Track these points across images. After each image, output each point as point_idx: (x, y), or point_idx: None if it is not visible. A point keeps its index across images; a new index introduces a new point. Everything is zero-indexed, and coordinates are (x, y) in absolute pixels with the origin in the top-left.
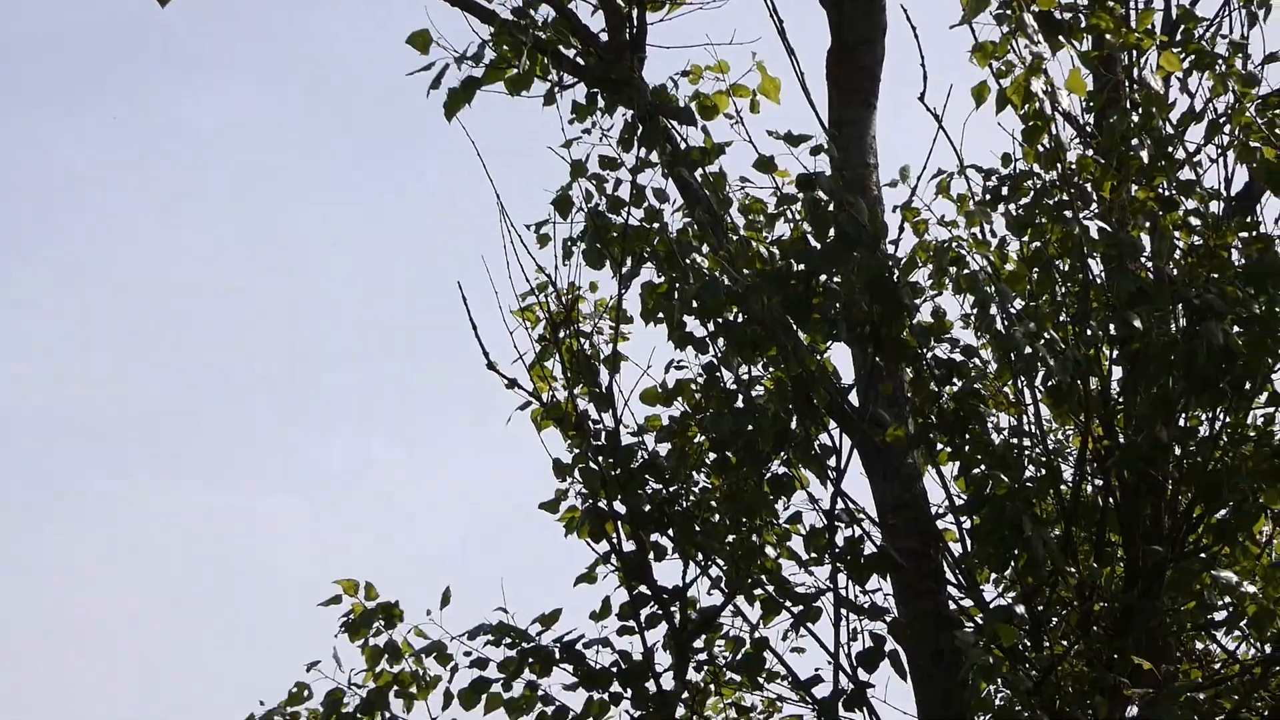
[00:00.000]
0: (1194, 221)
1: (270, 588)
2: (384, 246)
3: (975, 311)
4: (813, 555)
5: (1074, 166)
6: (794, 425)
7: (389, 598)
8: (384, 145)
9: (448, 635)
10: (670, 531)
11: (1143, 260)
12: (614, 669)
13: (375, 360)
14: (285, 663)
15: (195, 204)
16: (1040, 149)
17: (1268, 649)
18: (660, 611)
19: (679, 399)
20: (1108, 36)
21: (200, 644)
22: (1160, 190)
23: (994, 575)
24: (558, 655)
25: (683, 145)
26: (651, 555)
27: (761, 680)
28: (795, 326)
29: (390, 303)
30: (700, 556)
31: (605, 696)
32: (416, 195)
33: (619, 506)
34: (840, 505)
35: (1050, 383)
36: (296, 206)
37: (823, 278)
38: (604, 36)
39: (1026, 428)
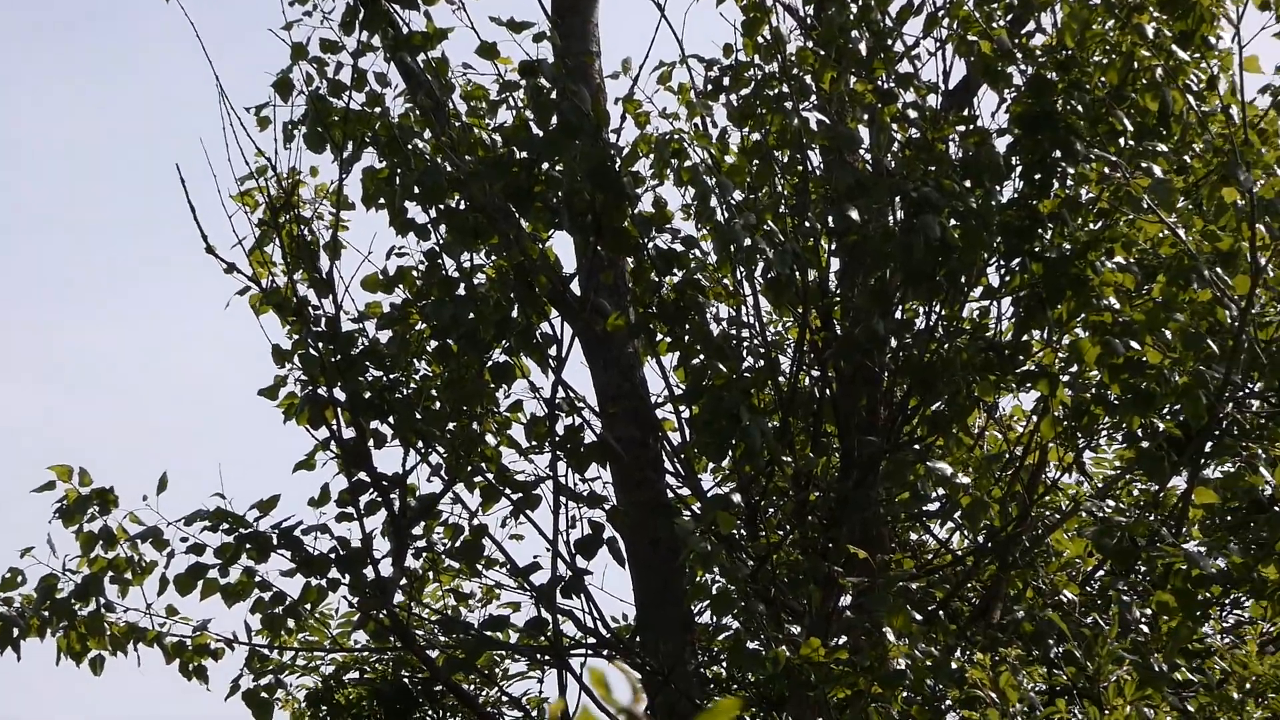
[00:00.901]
0: (912, 115)
1: None
2: (102, 129)
3: (696, 203)
4: (533, 443)
5: (794, 58)
6: (515, 313)
7: (104, 483)
8: (101, 27)
9: (164, 521)
10: (390, 419)
11: (861, 153)
12: (332, 555)
13: (91, 243)
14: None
15: None
16: (760, 40)
17: (980, 540)
18: (379, 498)
19: (400, 286)
20: None
21: None
22: (879, 83)
23: (712, 464)
24: (275, 541)
25: (405, 29)
26: (371, 442)
27: (480, 567)
28: (517, 214)
29: (108, 185)
30: (420, 444)
31: (323, 582)
32: (134, 77)
33: (339, 393)
34: (560, 394)
35: (769, 274)
36: (10, 90)
37: (545, 166)
38: None
39: (745, 319)
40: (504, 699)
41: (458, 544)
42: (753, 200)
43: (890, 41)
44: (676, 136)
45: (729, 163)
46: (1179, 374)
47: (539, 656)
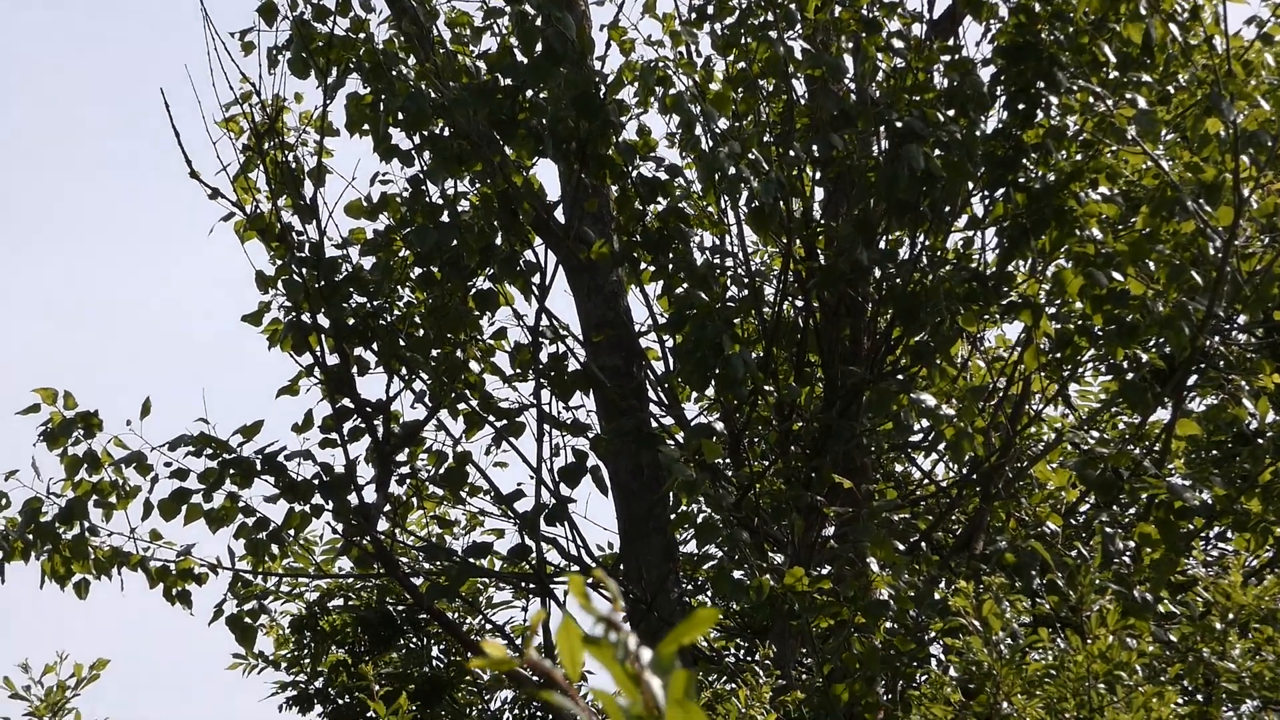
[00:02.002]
0: (897, 44)
1: None
2: (86, 54)
3: (680, 131)
4: (517, 371)
5: None
6: (499, 240)
7: (88, 407)
8: None
9: (148, 445)
10: (374, 345)
11: (846, 82)
12: (316, 481)
13: (75, 171)
14: None
15: None
16: None
17: (963, 470)
18: (363, 425)
19: (384, 212)
20: None
21: None
22: (864, 12)
23: (695, 393)
24: (259, 467)
25: None
26: (355, 369)
27: (464, 494)
28: (501, 141)
29: (92, 110)
30: (404, 370)
31: (307, 509)
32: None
33: (322, 319)
34: (544, 321)
35: (753, 203)
36: None
37: (529, 93)
38: None
39: (729, 248)
40: (488, 626)
41: (441, 471)
42: (737, 129)
43: None
44: (661, 64)
45: (714, 91)
46: (1162, 305)
47: (522, 584)
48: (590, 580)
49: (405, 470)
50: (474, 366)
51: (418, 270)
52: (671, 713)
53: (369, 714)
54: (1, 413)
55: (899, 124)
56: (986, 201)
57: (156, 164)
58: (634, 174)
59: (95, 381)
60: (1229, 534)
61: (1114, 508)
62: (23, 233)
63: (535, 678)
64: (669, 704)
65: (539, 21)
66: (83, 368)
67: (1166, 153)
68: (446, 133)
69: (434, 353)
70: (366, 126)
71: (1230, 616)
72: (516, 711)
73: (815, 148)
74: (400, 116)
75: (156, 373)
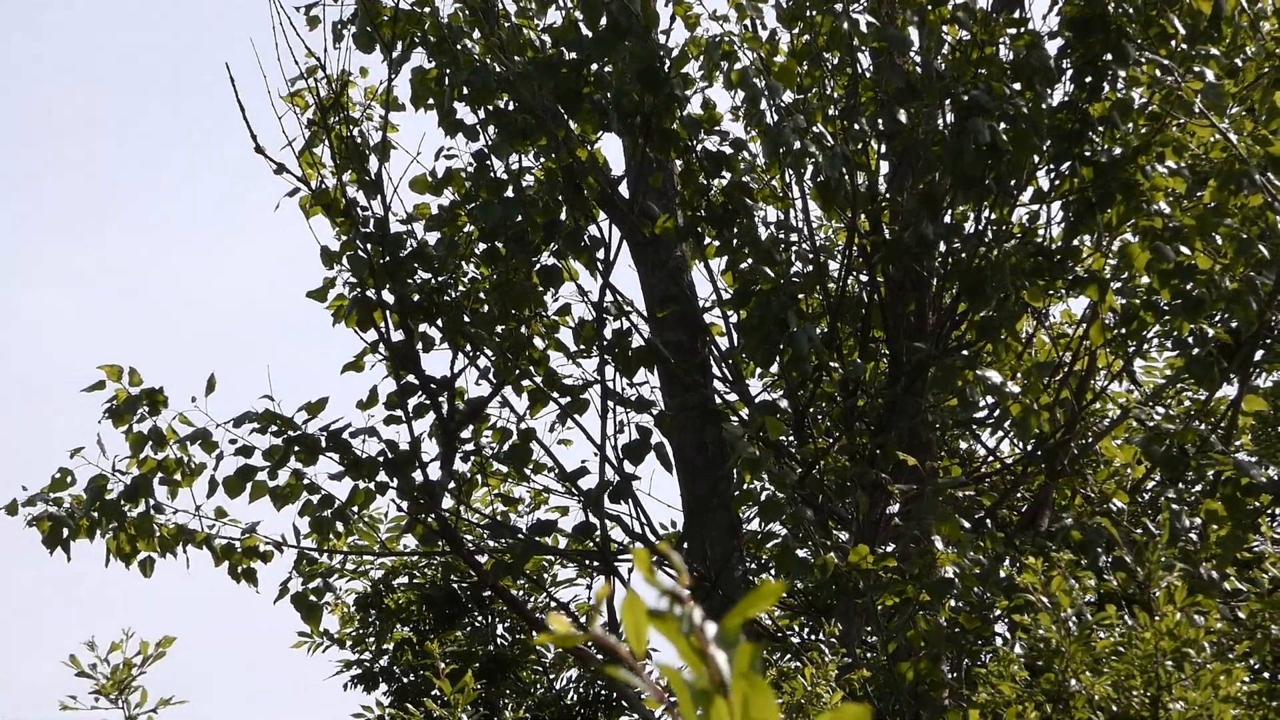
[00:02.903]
0: (962, 16)
1: (37, 379)
2: (150, 29)
3: (745, 105)
4: (581, 347)
5: None
6: (563, 216)
7: (154, 384)
8: None
9: (213, 422)
10: (439, 321)
11: (911, 55)
12: (380, 458)
13: (139, 146)
14: (50, 458)
15: None
16: None
17: (1028, 447)
18: (428, 401)
19: (449, 187)
20: None
21: None
22: None
23: (759, 369)
24: (324, 443)
25: None
26: (420, 345)
27: (528, 471)
28: (566, 115)
29: (157, 86)
30: (469, 347)
31: (371, 485)
32: None
33: (387, 295)
34: (609, 297)
35: (818, 178)
36: None
37: (594, 67)
38: None
39: (794, 222)
40: (552, 604)
41: (506, 448)
42: (802, 103)
43: None
44: (726, 38)
45: (778, 65)
46: (1229, 279)
47: (587, 562)
48: (655, 555)
49: (470, 447)
50: (538, 343)
51: (482, 246)
52: (737, 686)
53: (434, 692)
54: (67, 390)
55: (964, 97)
56: (1052, 175)
57: (222, 139)
58: (698, 148)
59: (160, 358)
60: None
61: (1180, 484)
62: (88, 210)
63: (600, 655)
64: (734, 677)
65: None
66: (148, 344)
67: (1234, 126)
68: (511, 107)
69: (498, 329)
70: (431, 101)
71: None
72: (581, 690)
73: (880, 121)
74: (465, 91)
75: (221, 349)
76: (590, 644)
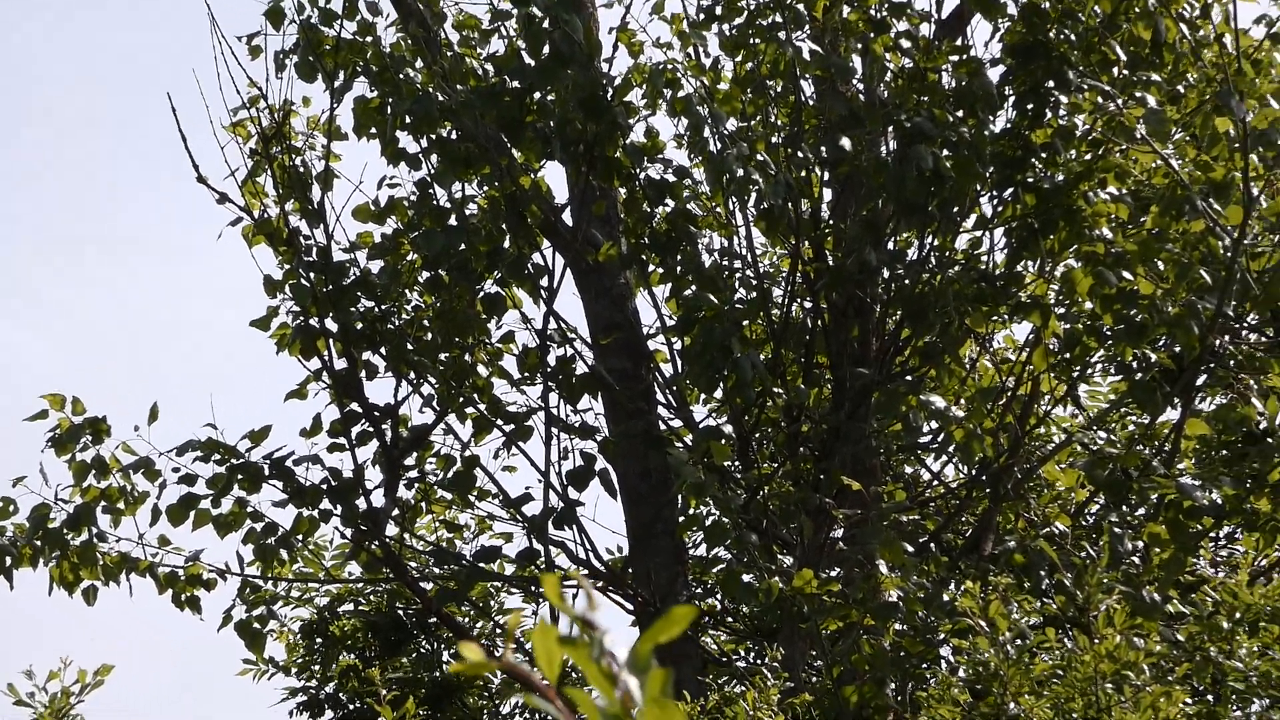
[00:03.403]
0: (905, 44)
1: None
2: (92, 58)
3: (689, 133)
4: (525, 374)
5: None
6: (507, 244)
7: (96, 413)
8: None
9: (156, 451)
10: (382, 349)
11: (854, 82)
12: (324, 486)
13: (80, 176)
14: None
15: None
16: None
17: (972, 471)
18: (371, 429)
19: (392, 216)
20: None
21: None
22: (872, 12)
23: (704, 396)
24: (267, 471)
25: None
26: (363, 373)
27: (472, 498)
28: (509, 144)
29: (98, 116)
30: (412, 374)
31: (315, 513)
32: (125, 5)
33: (330, 323)
34: (552, 324)
35: (762, 205)
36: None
37: (537, 95)
38: None
39: (737, 249)
40: (498, 630)
41: (450, 475)
42: (745, 130)
43: None
44: (670, 66)
45: (722, 92)
46: (1171, 305)
47: (531, 588)
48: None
49: (413, 474)
50: (482, 370)
51: (425, 274)
52: (648, 711)
53: (378, 719)
54: (9, 419)
55: (907, 124)
56: (995, 202)
57: (163, 169)
58: (642, 176)
59: (103, 388)
60: (1238, 534)
61: (1123, 508)
62: (27, 240)
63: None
64: (646, 702)
65: (546, 24)
66: (90, 374)
67: (1176, 152)
68: (454, 136)
69: (442, 356)
70: (374, 130)
71: (1238, 616)
72: (527, 716)
73: (824, 149)
74: (408, 120)
75: (164, 378)
76: (502, 671)
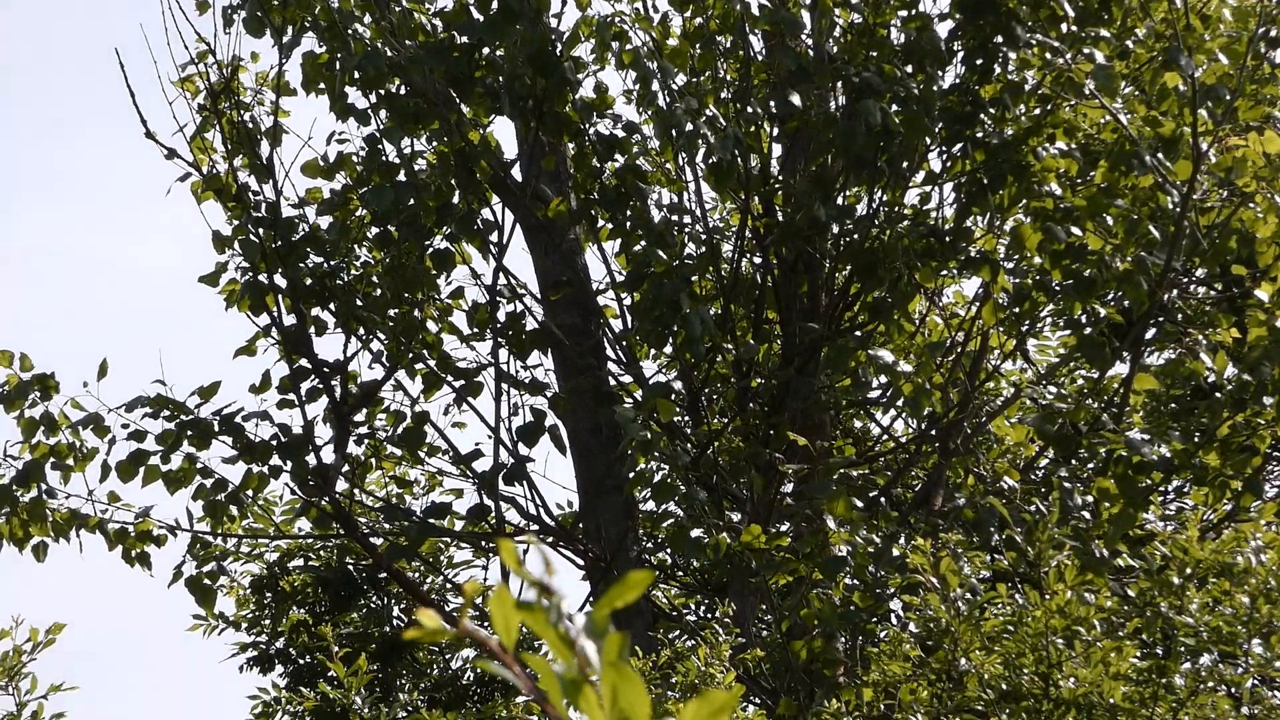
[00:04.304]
0: None
1: None
2: (39, 13)
3: (637, 87)
4: (474, 330)
5: None
6: (456, 199)
7: (45, 369)
8: None
9: (105, 407)
10: (331, 305)
11: (803, 37)
12: (274, 442)
13: (29, 129)
14: None
15: None
16: None
17: (921, 426)
18: (321, 385)
19: (341, 172)
20: None
21: None
22: None
23: (653, 351)
24: (217, 428)
25: None
26: (312, 329)
27: (422, 454)
28: (458, 99)
29: (46, 70)
30: (361, 330)
31: (265, 469)
32: None
33: (280, 280)
34: (502, 280)
35: (711, 159)
36: None
37: (485, 50)
38: None
39: (687, 205)
40: (448, 586)
41: (399, 431)
42: (695, 85)
43: None
44: (618, 20)
45: (671, 47)
46: (1120, 260)
47: (482, 543)
48: (550, 540)
49: (363, 430)
50: (431, 326)
51: (375, 230)
52: (606, 675)
53: (330, 674)
54: None
55: (856, 79)
56: (944, 157)
57: (112, 124)
58: (591, 131)
59: (51, 343)
60: (1187, 488)
61: (1072, 463)
62: None
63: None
64: (603, 666)
65: None
66: (39, 329)
67: (1125, 107)
68: (403, 91)
69: (391, 312)
70: (323, 85)
71: (1188, 571)
72: (478, 671)
73: (773, 104)
74: (356, 75)
75: (113, 335)
76: (461, 637)
